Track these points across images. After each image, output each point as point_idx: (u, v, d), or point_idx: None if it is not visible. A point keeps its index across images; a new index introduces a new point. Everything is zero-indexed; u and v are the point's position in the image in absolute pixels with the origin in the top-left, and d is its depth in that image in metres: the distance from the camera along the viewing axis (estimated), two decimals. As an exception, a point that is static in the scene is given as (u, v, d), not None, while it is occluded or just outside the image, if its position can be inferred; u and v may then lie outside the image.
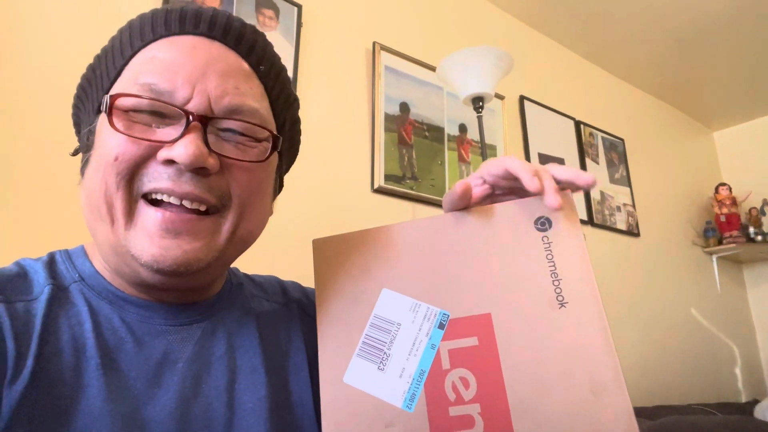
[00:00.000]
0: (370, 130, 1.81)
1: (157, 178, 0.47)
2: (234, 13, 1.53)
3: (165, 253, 0.47)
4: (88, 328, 0.49)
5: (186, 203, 0.48)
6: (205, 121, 0.48)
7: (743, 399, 2.91)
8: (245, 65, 0.54)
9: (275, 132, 0.55)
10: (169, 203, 0.48)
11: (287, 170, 0.66)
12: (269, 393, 0.55)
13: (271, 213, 0.60)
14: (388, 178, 1.78)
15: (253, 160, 0.52)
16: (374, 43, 1.88)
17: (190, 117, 0.47)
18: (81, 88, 0.56)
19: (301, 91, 1.65)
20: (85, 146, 0.53)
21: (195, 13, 0.52)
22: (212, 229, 0.50)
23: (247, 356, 0.57)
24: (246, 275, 0.68)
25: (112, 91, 0.50)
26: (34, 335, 0.46)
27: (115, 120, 0.48)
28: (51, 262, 0.54)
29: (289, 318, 0.64)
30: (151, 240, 0.47)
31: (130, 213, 0.48)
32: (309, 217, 1.56)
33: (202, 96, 0.49)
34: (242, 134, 0.52)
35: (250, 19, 1.59)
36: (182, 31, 0.51)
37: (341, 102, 1.77)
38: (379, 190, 1.76)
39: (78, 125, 0.58)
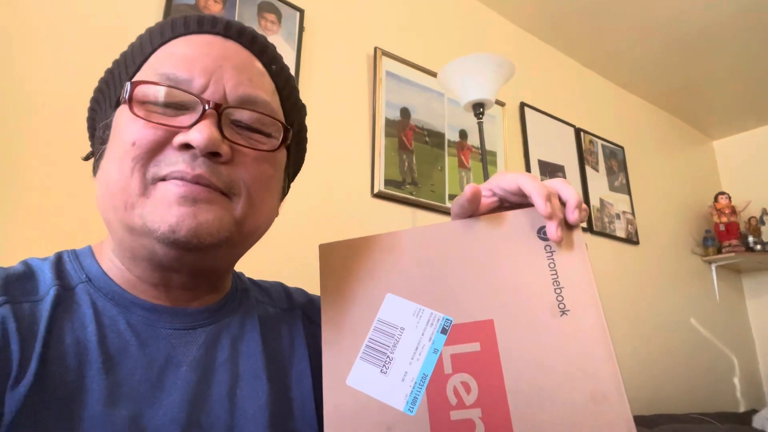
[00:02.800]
0: (370, 134, 1.82)
1: (173, 163, 0.49)
2: (236, 17, 1.56)
3: (181, 222, 0.47)
4: (91, 330, 0.49)
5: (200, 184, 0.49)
6: (220, 109, 0.50)
7: (742, 408, 2.91)
8: (258, 63, 0.57)
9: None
10: (183, 180, 0.49)
11: (293, 177, 0.67)
12: (270, 400, 0.55)
13: (276, 214, 0.61)
14: (388, 183, 1.78)
15: (265, 149, 0.54)
16: (376, 49, 1.89)
17: (207, 105, 0.49)
18: (98, 90, 0.58)
19: (302, 96, 1.65)
20: (101, 140, 0.55)
21: (212, 17, 0.56)
22: (224, 206, 0.51)
23: (250, 362, 0.56)
24: (252, 281, 0.68)
25: (134, 79, 0.52)
26: (38, 337, 0.46)
27: (135, 108, 0.50)
28: (58, 262, 0.54)
29: (293, 324, 0.64)
30: (168, 208, 0.48)
31: (145, 193, 0.49)
32: (309, 221, 1.56)
33: (217, 85, 0.51)
34: (253, 129, 0.54)
35: (252, 23, 1.59)
36: (200, 31, 0.55)
37: (342, 106, 1.77)
38: (379, 195, 1.76)
39: (93, 128, 0.59)
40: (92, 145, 0.59)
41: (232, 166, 0.51)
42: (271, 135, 0.55)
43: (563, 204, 0.51)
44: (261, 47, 0.57)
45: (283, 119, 0.57)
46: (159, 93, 0.50)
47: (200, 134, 0.48)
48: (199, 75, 0.51)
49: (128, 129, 0.50)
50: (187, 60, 0.52)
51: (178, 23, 0.55)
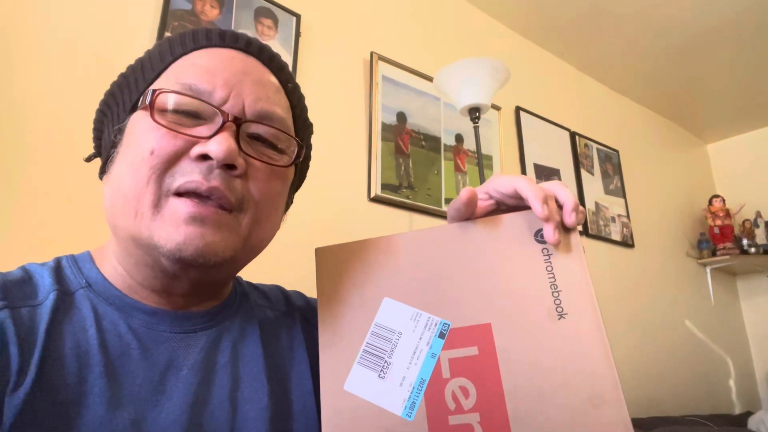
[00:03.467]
0: (367, 139, 1.82)
1: (188, 173, 0.49)
2: (233, 22, 1.56)
3: (188, 242, 0.48)
4: (92, 334, 0.49)
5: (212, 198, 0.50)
6: (238, 123, 0.51)
7: (737, 411, 2.92)
8: (275, 80, 0.58)
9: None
10: (197, 195, 0.49)
11: (296, 191, 0.67)
12: (271, 402, 0.55)
13: (279, 227, 0.62)
14: (384, 187, 1.78)
15: (279, 164, 0.55)
16: (372, 53, 1.90)
17: (227, 117, 0.50)
18: (110, 94, 0.58)
19: (299, 100, 1.66)
20: (111, 144, 0.55)
21: (233, 33, 0.57)
22: (232, 227, 0.51)
23: (250, 365, 0.57)
24: (250, 284, 0.68)
25: (154, 86, 0.52)
26: (38, 341, 0.46)
27: (156, 116, 0.50)
28: (57, 267, 0.54)
29: (292, 327, 0.64)
30: (177, 228, 0.48)
31: (158, 206, 0.49)
32: (305, 225, 1.56)
33: (237, 99, 0.52)
34: (268, 145, 0.55)
35: (248, 29, 1.60)
36: (222, 45, 0.56)
37: (339, 111, 1.78)
38: (376, 199, 1.76)
39: (99, 130, 0.59)
40: (96, 147, 0.59)
41: (244, 180, 0.52)
42: (284, 151, 0.56)
43: (560, 206, 0.51)
44: (278, 65, 0.59)
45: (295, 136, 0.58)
46: (180, 102, 0.51)
47: (219, 146, 0.48)
48: (220, 87, 0.52)
49: (147, 137, 0.50)
50: (208, 72, 0.52)
51: (200, 35, 0.56)
